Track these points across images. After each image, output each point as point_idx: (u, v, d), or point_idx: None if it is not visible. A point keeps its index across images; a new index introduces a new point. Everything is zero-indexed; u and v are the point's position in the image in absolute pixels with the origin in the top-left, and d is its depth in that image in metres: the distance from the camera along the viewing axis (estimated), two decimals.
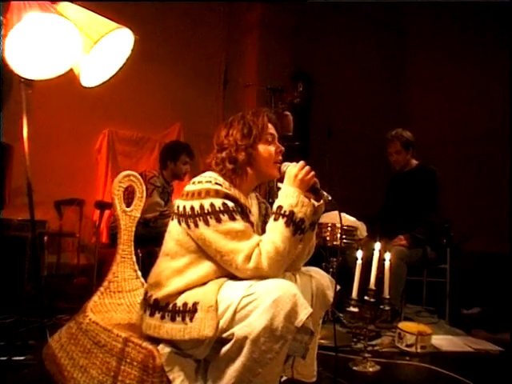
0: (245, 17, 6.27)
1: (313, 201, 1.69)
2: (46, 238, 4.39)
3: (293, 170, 1.70)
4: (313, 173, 1.70)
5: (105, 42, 1.91)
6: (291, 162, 1.77)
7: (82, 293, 3.94)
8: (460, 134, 5.76)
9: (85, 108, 4.71)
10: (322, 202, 1.73)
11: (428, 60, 6.52)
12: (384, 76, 6.94)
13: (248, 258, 1.56)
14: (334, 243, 3.21)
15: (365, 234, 3.33)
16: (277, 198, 1.70)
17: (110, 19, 2.06)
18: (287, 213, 1.61)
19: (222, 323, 1.51)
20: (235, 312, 1.50)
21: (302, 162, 1.71)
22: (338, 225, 3.16)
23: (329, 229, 3.20)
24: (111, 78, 2.11)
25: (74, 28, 1.84)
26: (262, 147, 1.78)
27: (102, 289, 2.01)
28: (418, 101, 6.62)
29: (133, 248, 2.16)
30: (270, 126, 1.82)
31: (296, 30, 6.30)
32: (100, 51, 1.96)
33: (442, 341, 3.19)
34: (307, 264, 1.93)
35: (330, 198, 1.71)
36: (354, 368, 2.58)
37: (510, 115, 4.63)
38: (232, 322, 1.50)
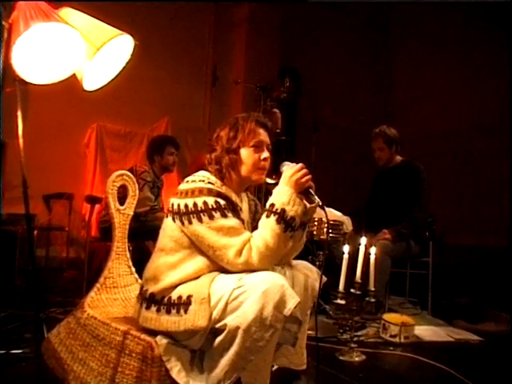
0: (232, 12, 6.29)
1: (305, 201, 1.74)
2: (35, 231, 4.41)
3: (289, 170, 1.74)
4: (309, 176, 1.74)
5: (106, 48, 1.96)
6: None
7: (72, 286, 3.99)
8: (448, 128, 5.84)
9: (73, 102, 4.68)
10: (314, 204, 1.77)
11: (415, 55, 6.58)
12: (371, 71, 7.00)
13: (239, 252, 1.63)
14: (321, 237, 3.27)
15: (350, 228, 3.40)
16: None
17: (98, 18, 2.12)
18: (279, 210, 1.67)
19: (215, 314, 1.60)
20: (227, 303, 1.58)
21: (300, 165, 1.76)
22: (325, 219, 3.23)
23: (315, 223, 3.26)
24: (111, 81, 2.17)
25: (79, 36, 1.89)
26: (245, 153, 1.81)
27: (98, 285, 2.06)
28: (405, 95, 6.68)
29: (127, 245, 2.21)
30: (261, 131, 1.84)
31: (283, 26, 6.34)
32: (101, 56, 2.01)
33: (425, 331, 3.29)
34: (295, 258, 1.99)
35: (320, 203, 1.76)
36: (341, 358, 2.67)
37: (510, 111, 4.71)
38: (224, 313, 1.58)
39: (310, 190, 1.76)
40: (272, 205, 1.70)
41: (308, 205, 1.75)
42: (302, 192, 1.74)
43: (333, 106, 6.29)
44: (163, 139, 3.98)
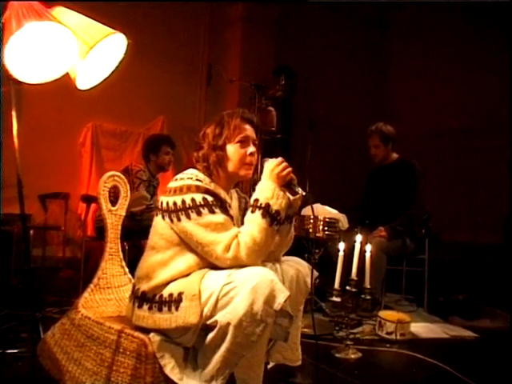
0: (228, 11, 6.28)
1: (288, 194, 1.76)
2: (31, 231, 4.40)
3: (270, 165, 1.77)
4: (289, 169, 1.76)
5: (99, 47, 1.96)
6: (271, 155, 1.84)
7: (68, 286, 3.99)
8: (444, 126, 5.85)
9: (69, 101, 4.68)
10: (298, 196, 1.79)
11: (411, 52, 6.56)
12: (367, 68, 6.98)
13: (227, 248, 1.64)
14: (317, 235, 3.27)
15: (346, 225, 3.40)
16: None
17: (91, 17, 2.12)
18: (263, 205, 1.69)
19: (206, 310, 1.60)
20: (217, 299, 1.58)
21: (279, 159, 1.78)
22: (321, 217, 3.23)
23: (311, 221, 3.27)
24: (105, 80, 2.17)
25: (72, 35, 1.90)
26: (231, 149, 1.82)
27: (91, 285, 2.05)
28: (402, 94, 6.67)
29: (120, 245, 2.21)
30: (247, 127, 1.85)
31: (278, 24, 6.33)
32: (94, 55, 2.01)
33: (421, 328, 3.30)
34: (289, 255, 2.00)
35: (304, 193, 1.78)
36: (337, 355, 2.68)
37: (509, 110, 4.71)
38: (215, 309, 1.59)
39: (293, 182, 1.78)
40: (256, 200, 1.71)
41: (291, 197, 1.77)
42: (285, 185, 1.76)
43: (329, 103, 6.28)
44: (159, 138, 3.98)
